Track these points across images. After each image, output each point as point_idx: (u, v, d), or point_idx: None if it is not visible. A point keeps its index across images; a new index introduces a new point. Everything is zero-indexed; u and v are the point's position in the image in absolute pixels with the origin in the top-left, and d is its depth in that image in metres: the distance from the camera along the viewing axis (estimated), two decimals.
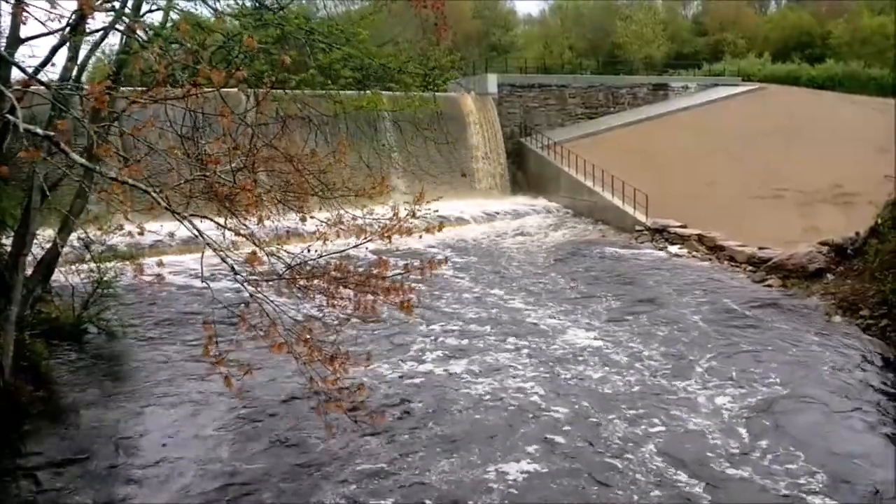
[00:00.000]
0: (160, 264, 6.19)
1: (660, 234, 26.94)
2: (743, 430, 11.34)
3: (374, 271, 5.99)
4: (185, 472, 10.22)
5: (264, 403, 12.46)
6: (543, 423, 11.70)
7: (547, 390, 13.01)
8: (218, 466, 10.35)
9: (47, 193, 10.44)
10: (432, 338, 16.18)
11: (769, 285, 20.22)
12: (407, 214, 6.01)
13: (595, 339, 15.93)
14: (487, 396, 12.84)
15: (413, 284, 6.28)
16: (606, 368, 14.04)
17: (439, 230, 6.54)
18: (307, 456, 10.82)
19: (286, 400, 12.57)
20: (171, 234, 6.81)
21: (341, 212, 6.71)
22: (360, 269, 6.25)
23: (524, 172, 38.88)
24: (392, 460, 10.41)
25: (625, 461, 10.37)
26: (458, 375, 13.89)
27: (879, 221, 18.88)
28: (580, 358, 14.68)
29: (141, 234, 5.75)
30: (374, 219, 6.48)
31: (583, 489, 9.69)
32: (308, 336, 6.01)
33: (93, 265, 15.34)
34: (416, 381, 13.60)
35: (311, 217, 6.47)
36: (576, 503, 9.38)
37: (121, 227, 7.59)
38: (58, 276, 15.05)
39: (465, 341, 15.98)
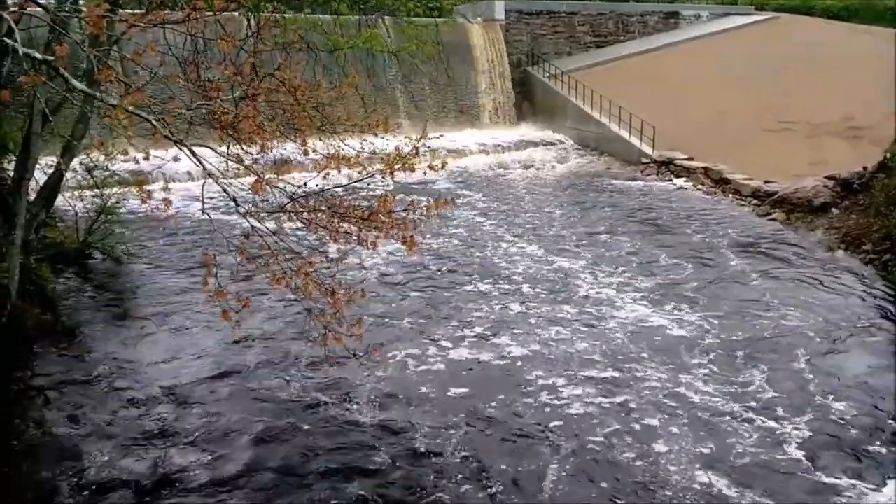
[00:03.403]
0: (166, 189, 6.17)
1: (665, 167, 26.74)
2: None
3: (378, 206, 5.96)
4: (187, 396, 10.45)
5: (268, 330, 12.64)
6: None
7: (630, 418, 9.96)
8: (220, 390, 10.58)
9: (49, 118, 10.33)
10: (462, 306, 14.00)
11: (773, 219, 20.19)
12: (410, 151, 5.94)
13: (650, 312, 13.67)
14: (553, 424, 9.77)
15: (420, 221, 6.25)
16: (691, 375, 11.18)
17: (443, 167, 6.47)
18: (312, 361, 11.19)
19: (289, 328, 12.75)
20: (177, 159, 6.74)
21: (342, 145, 6.64)
22: (365, 204, 6.23)
23: (531, 102, 38.29)
24: None
25: None
26: (507, 372, 11.34)
27: (888, 156, 18.70)
28: (647, 345, 12.22)
29: (146, 159, 5.72)
30: (374, 154, 6.41)
31: None
32: (309, 269, 6.03)
33: (96, 191, 15.32)
34: (454, 390, 10.77)
35: (314, 151, 6.41)
36: None
37: (126, 153, 7.53)
38: (61, 202, 15.06)
39: (502, 309, 13.85)
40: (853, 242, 17.36)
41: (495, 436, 9.55)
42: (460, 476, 8.65)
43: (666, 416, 9.98)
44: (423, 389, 10.73)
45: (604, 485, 8.52)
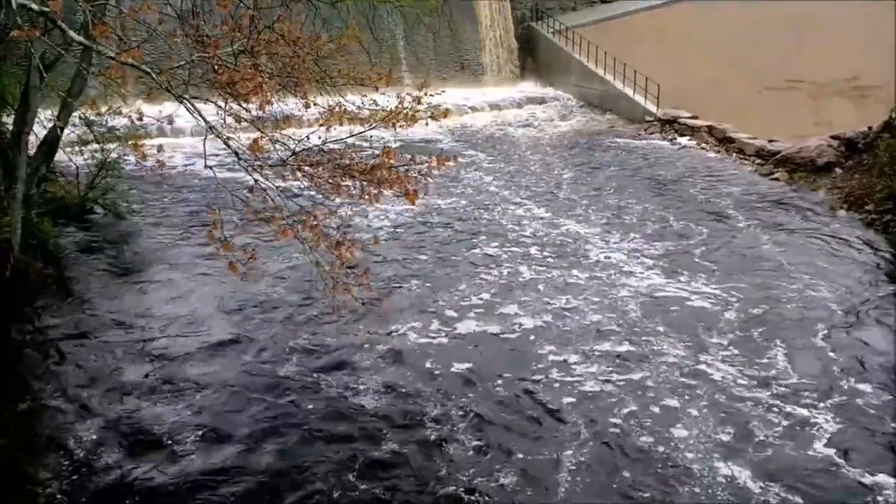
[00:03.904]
0: (160, 149, 6.16)
1: (669, 126, 26.50)
2: None
3: (380, 160, 5.95)
4: (191, 349, 10.56)
5: (271, 284, 12.69)
6: None
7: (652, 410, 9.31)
8: (217, 361, 10.52)
9: (44, 74, 10.24)
10: (469, 270, 13.73)
11: (776, 178, 20.10)
12: (412, 101, 5.90)
13: (663, 280, 13.30)
14: (567, 404, 9.35)
15: (421, 176, 6.23)
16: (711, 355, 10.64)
17: (444, 116, 6.43)
18: (313, 332, 11.13)
19: (292, 281, 12.81)
20: (171, 121, 6.72)
21: (342, 100, 6.59)
22: (366, 160, 6.21)
23: (534, 59, 37.81)
24: None
25: None
26: (518, 347, 10.92)
27: (893, 116, 18.55)
28: (662, 317, 11.80)
29: (140, 119, 5.68)
30: (375, 109, 6.36)
31: None
32: (313, 223, 6.05)
33: (96, 146, 15.27)
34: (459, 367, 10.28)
35: (315, 105, 6.37)
36: None
37: (119, 112, 7.49)
38: (61, 157, 15.01)
39: (510, 274, 13.52)
40: (855, 203, 17.31)
41: (507, 418, 9.13)
42: (469, 465, 8.21)
43: (685, 398, 9.55)
44: (428, 365, 10.31)
45: (625, 474, 8.08)
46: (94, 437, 8.53)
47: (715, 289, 12.85)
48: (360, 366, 10.31)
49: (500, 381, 9.92)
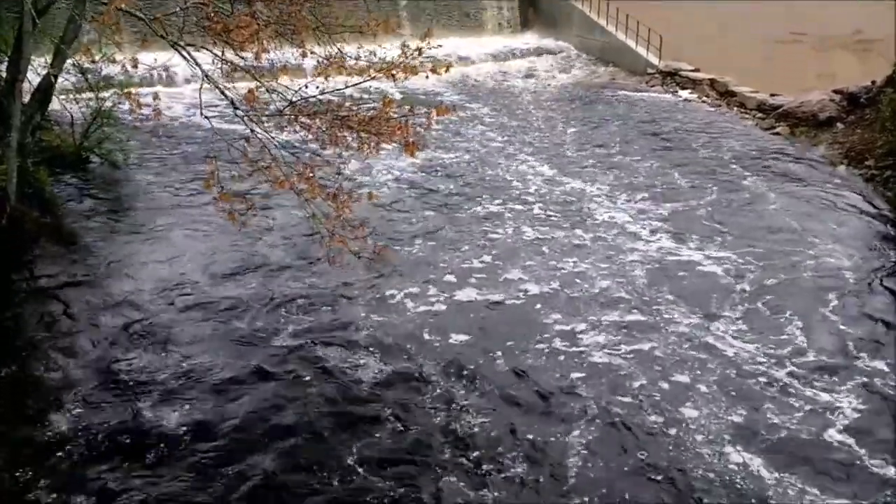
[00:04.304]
0: (156, 98, 6.07)
1: (671, 78, 26.19)
2: None
3: (379, 111, 5.88)
4: (183, 303, 10.57)
5: (267, 240, 12.65)
6: None
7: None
8: (214, 298, 10.60)
9: (36, 20, 10.05)
10: (472, 230, 13.41)
11: (777, 133, 19.96)
12: (413, 51, 5.79)
13: (669, 242, 13.09)
14: (574, 378, 8.98)
15: (421, 127, 6.16)
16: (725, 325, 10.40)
17: (446, 70, 6.33)
18: (309, 285, 11.15)
19: (289, 238, 12.77)
20: (166, 69, 6.62)
21: (341, 48, 6.49)
22: (365, 112, 6.14)
23: (535, 9, 37.16)
24: None
25: None
26: (522, 314, 10.51)
27: None
28: (669, 283, 11.51)
29: (134, 66, 5.59)
30: (371, 63, 6.26)
31: None
32: (310, 174, 6.00)
33: (91, 94, 15.06)
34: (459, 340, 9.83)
35: (312, 53, 6.27)
36: None
37: (113, 60, 7.35)
38: (56, 106, 14.82)
39: (514, 233, 13.26)
40: (856, 158, 17.24)
41: (510, 393, 8.71)
42: (471, 446, 7.83)
43: (695, 373, 9.19)
44: (427, 336, 9.89)
45: (637, 456, 7.75)
46: (83, 384, 8.61)
47: (721, 252, 12.69)
48: (358, 331, 10.01)
49: (501, 354, 9.52)
